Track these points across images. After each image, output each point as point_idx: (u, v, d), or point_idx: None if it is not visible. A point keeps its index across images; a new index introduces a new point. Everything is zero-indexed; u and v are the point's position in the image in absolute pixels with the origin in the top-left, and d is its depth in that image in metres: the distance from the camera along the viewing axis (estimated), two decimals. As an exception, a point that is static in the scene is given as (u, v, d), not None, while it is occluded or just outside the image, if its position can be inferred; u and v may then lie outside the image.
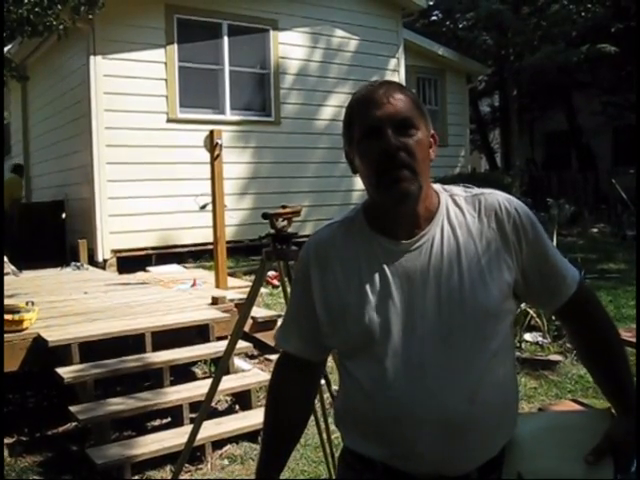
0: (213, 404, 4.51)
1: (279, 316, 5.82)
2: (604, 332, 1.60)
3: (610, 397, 1.61)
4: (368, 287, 1.48)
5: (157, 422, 4.53)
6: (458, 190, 1.57)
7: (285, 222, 2.92)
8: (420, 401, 1.40)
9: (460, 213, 1.51)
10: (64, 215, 10.07)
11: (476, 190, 1.57)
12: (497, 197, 1.53)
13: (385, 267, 1.48)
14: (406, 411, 1.41)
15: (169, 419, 4.47)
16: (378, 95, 1.46)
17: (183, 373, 4.96)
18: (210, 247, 7.19)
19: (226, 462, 4.07)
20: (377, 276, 1.48)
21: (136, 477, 3.86)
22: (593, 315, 1.61)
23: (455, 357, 1.42)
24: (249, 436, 4.27)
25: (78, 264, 8.47)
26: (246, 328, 5.14)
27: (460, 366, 1.42)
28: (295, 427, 1.69)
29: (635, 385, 1.57)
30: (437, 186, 1.57)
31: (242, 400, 4.73)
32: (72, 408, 4.11)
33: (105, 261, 8.77)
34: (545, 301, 1.61)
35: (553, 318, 5.49)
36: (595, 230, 13.14)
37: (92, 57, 8.62)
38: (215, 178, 6.29)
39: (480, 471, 1.45)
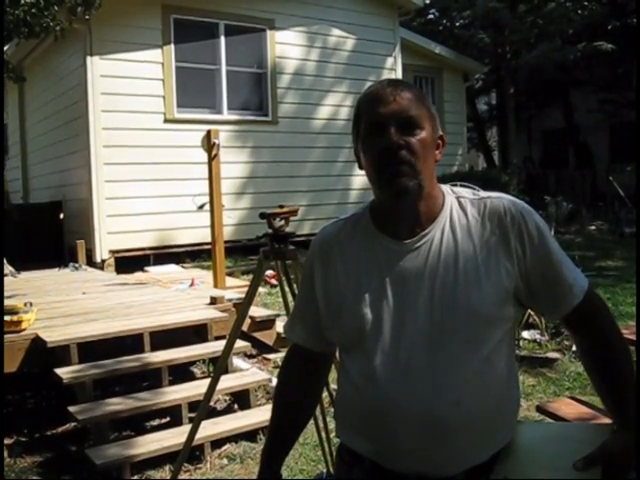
0: (212, 403, 4.52)
1: (277, 315, 5.82)
2: (609, 346, 1.55)
3: (610, 410, 1.58)
4: (365, 284, 1.50)
5: (156, 422, 4.53)
6: (466, 193, 1.57)
7: (282, 222, 2.93)
8: (405, 399, 1.41)
9: (463, 215, 1.51)
10: (62, 216, 10.06)
11: (483, 193, 1.57)
12: (503, 201, 1.51)
13: (383, 266, 1.49)
14: (391, 408, 1.42)
15: (168, 419, 4.47)
16: (385, 93, 1.47)
17: (182, 373, 4.97)
18: (208, 247, 7.19)
19: (225, 461, 4.07)
20: (375, 274, 1.50)
21: (135, 477, 3.86)
22: (599, 327, 1.56)
23: (443, 358, 1.42)
24: (248, 435, 4.27)
25: (76, 265, 8.47)
26: (244, 327, 5.16)
27: (447, 368, 1.41)
28: (297, 418, 1.74)
29: (636, 400, 1.52)
30: (445, 187, 1.57)
31: (241, 399, 4.74)
32: (71, 408, 4.11)
33: (103, 261, 8.77)
34: (549, 309, 1.57)
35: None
36: (593, 228, 13.16)
37: (89, 58, 8.61)
38: (213, 178, 6.29)
39: (467, 475, 1.44)
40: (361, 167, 1.55)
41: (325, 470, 3.33)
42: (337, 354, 1.69)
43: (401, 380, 1.42)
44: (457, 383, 1.41)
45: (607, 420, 1.64)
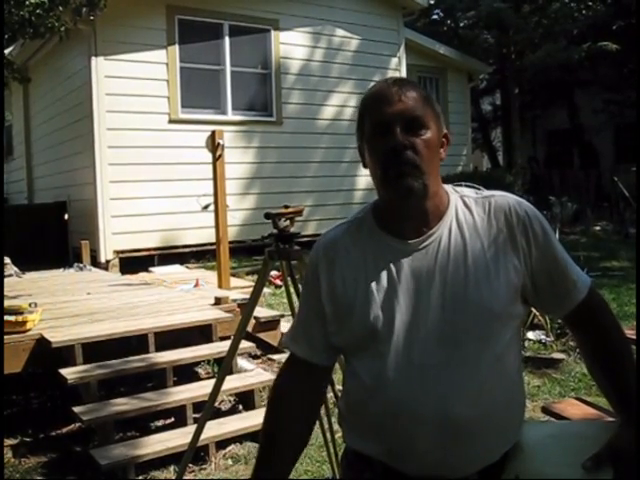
0: (216, 404, 4.51)
1: (282, 316, 5.82)
2: (612, 341, 1.57)
3: (614, 406, 1.58)
4: (374, 286, 1.48)
5: (161, 422, 4.53)
6: (469, 191, 1.57)
7: (287, 222, 2.92)
8: (420, 401, 1.40)
9: (469, 214, 1.51)
10: (66, 216, 10.09)
11: (487, 192, 1.57)
12: (507, 200, 1.52)
13: (392, 267, 1.48)
14: (405, 410, 1.41)
15: (173, 419, 4.47)
16: (390, 92, 1.46)
17: (186, 373, 4.97)
18: (213, 247, 7.20)
19: (230, 462, 4.07)
20: (383, 275, 1.48)
21: (140, 477, 3.86)
22: (602, 323, 1.58)
23: (457, 358, 1.41)
24: (253, 436, 4.26)
25: (81, 265, 8.48)
26: (249, 328, 5.16)
27: (462, 367, 1.41)
28: (295, 430, 1.61)
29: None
30: (448, 187, 1.57)
31: (245, 400, 4.74)
32: (76, 409, 4.11)
33: (108, 262, 8.78)
34: (554, 306, 1.58)
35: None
36: (598, 228, 13.12)
37: (94, 58, 8.64)
38: (217, 178, 6.29)
39: (481, 475, 1.44)
40: (365, 165, 1.54)
41: (331, 475, 3.32)
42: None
43: (415, 381, 1.41)
44: (472, 382, 1.40)
45: (612, 419, 1.63)
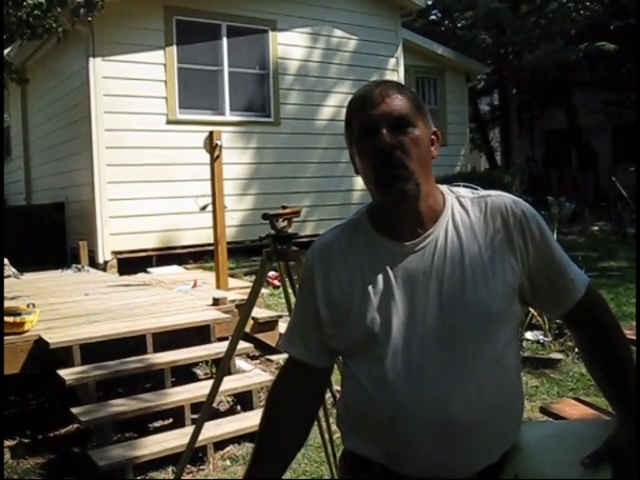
0: (214, 405, 4.50)
1: (280, 317, 5.82)
2: (610, 339, 1.56)
3: (613, 404, 1.58)
4: (371, 289, 1.48)
5: (159, 423, 4.53)
6: (465, 192, 1.56)
7: (285, 222, 2.92)
8: (419, 403, 1.39)
9: (465, 214, 1.50)
10: (65, 217, 10.08)
11: (483, 192, 1.56)
12: (503, 199, 1.51)
13: (388, 269, 1.48)
14: (405, 412, 1.40)
15: (171, 420, 4.47)
16: (374, 94, 1.46)
17: (184, 374, 4.97)
18: (211, 248, 7.19)
19: (228, 463, 4.07)
20: (380, 278, 1.48)
21: (139, 478, 3.86)
22: (600, 321, 1.57)
23: (456, 359, 1.41)
24: (251, 437, 4.26)
25: (79, 266, 8.47)
26: (247, 329, 5.15)
27: (461, 368, 1.40)
28: (289, 432, 1.61)
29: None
30: (444, 187, 1.57)
31: (243, 401, 4.73)
32: (74, 410, 4.11)
33: (106, 263, 8.77)
34: (552, 305, 1.58)
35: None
36: (596, 228, 13.14)
37: (91, 59, 8.63)
38: (215, 179, 6.29)
39: (480, 476, 1.44)
40: (357, 171, 1.53)
41: (329, 476, 3.32)
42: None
43: (414, 382, 1.40)
44: (471, 383, 1.40)
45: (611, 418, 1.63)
